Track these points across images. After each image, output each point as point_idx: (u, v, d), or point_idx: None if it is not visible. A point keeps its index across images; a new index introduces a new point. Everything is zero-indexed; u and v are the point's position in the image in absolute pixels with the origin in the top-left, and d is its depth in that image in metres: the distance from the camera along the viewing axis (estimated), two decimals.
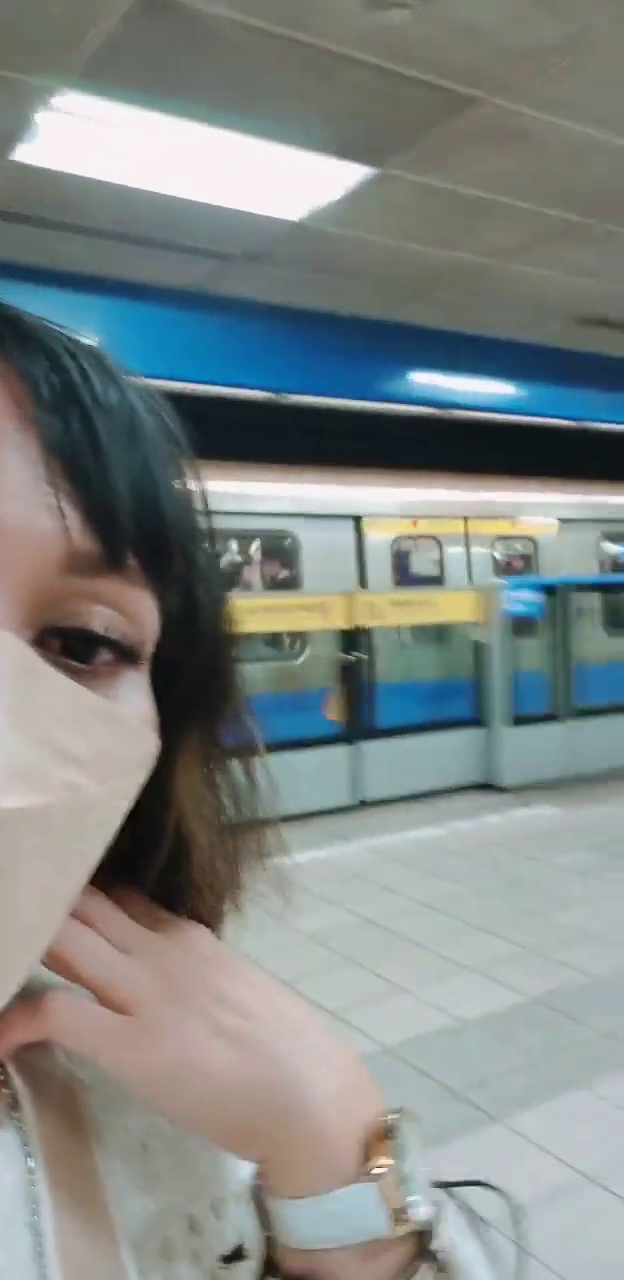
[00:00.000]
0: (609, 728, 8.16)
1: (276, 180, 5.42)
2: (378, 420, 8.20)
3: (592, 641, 8.57)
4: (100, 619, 0.36)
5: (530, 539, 9.45)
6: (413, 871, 5.49)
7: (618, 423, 10.15)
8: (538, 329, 8.58)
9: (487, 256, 6.77)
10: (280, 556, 7.88)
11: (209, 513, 0.42)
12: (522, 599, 7.76)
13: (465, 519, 8.67)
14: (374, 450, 7.99)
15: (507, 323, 8.38)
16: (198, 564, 0.41)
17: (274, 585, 7.80)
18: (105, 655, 0.37)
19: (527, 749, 7.73)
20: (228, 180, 5.38)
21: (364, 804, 6.94)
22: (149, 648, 0.39)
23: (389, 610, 7.35)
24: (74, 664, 0.36)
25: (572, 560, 9.28)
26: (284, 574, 7.83)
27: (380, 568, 8.16)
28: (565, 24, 3.97)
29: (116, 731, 0.36)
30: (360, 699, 7.21)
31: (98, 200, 5.54)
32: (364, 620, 7.09)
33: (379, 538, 8.22)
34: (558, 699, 8.03)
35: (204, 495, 0.41)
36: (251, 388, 7.48)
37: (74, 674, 0.36)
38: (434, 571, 8.70)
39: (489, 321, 8.33)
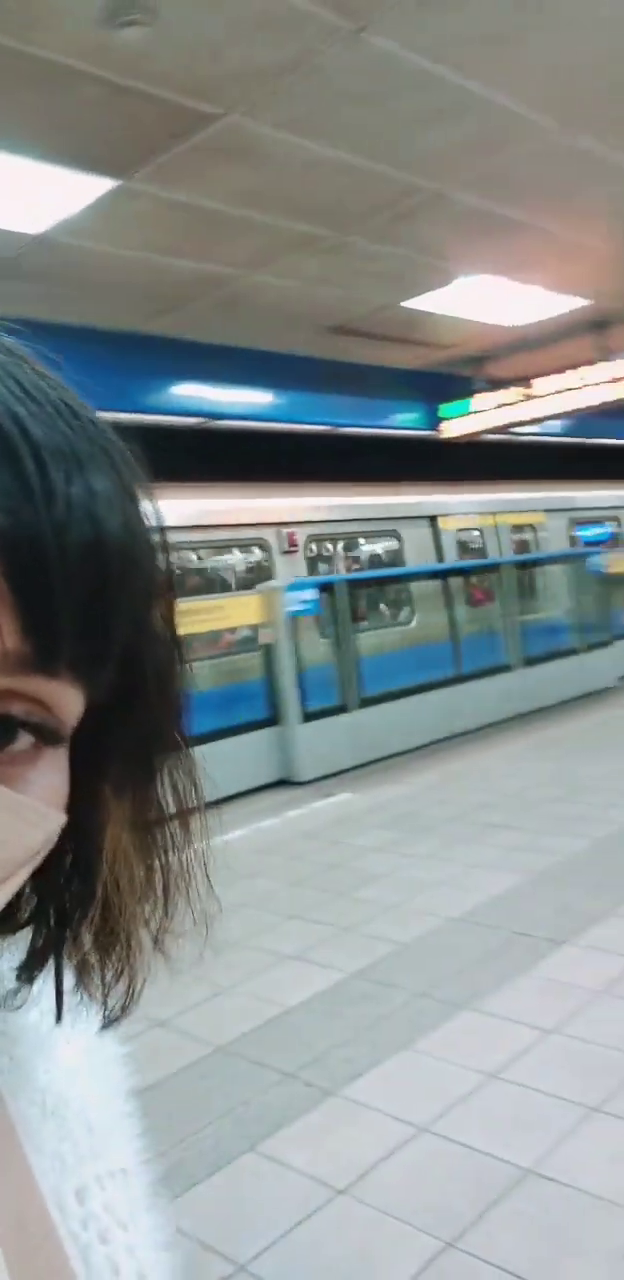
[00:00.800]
0: (392, 713, 8.61)
1: (16, 192, 5.27)
2: None
3: (375, 634, 8.99)
4: (20, 707, 0.36)
5: None
6: (223, 874, 5.48)
7: (370, 427, 10.75)
8: (289, 339, 8.90)
9: (232, 268, 6.93)
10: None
11: (167, 550, 0.41)
12: (300, 599, 8.00)
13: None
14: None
15: (258, 334, 8.62)
16: (147, 631, 0.39)
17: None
18: (24, 738, 0.37)
19: (319, 742, 7.99)
20: None
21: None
22: (70, 728, 0.38)
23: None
24: None
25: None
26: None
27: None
28: (290, 45, 4.16)
29: (23, 820, 0.36)
30: None
31: None
32: None
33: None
34: (345, 691, 8.36)
35: (165, 538, 0.40)
36: None
37: None
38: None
39: (241, 333, 8.54)
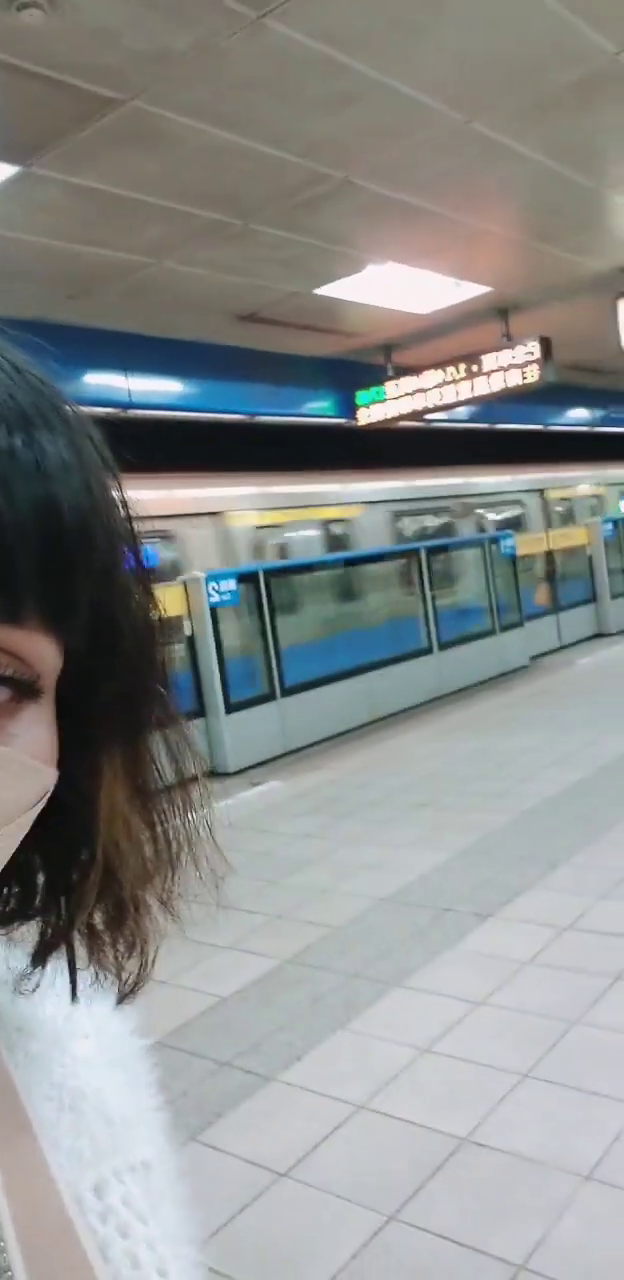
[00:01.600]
0: (315, 701, 8.66)
1: None
2: None
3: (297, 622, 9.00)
4: None
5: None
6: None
7: (285, 415, 10.75)
8: (200, 327, 8.82)
9: (139, 255, 6.84)
10: None
11: (134, 527, 0.41)
12: (221, 589, 7.97)
13: None
14: None
15: (169, 322, 8.53)
16: (117, 587, 0.40)
17: None
18: (2, 691, 0.37)
19: (245, 732, 7.99)
20: None
21: None
22: (50, 680, 0.39)
23: None
24: None
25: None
26: None
27: None
28: (191, 31, 4.11)
29: (10, 773, 0.37)
30: None
31: None
32: None
33: None
34: (268, 680, 8.37)
35: (129, 510, 0.41)
36: None
37: None
38: None
39: (152, 321, 8.43)
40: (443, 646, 10.26)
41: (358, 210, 6.52)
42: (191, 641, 7.93)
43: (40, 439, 0.36)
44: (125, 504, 0.41)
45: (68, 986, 0.46)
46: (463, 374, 9.80)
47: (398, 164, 5.86)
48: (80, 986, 0.46)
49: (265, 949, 4.19)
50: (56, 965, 0.46)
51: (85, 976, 0.46)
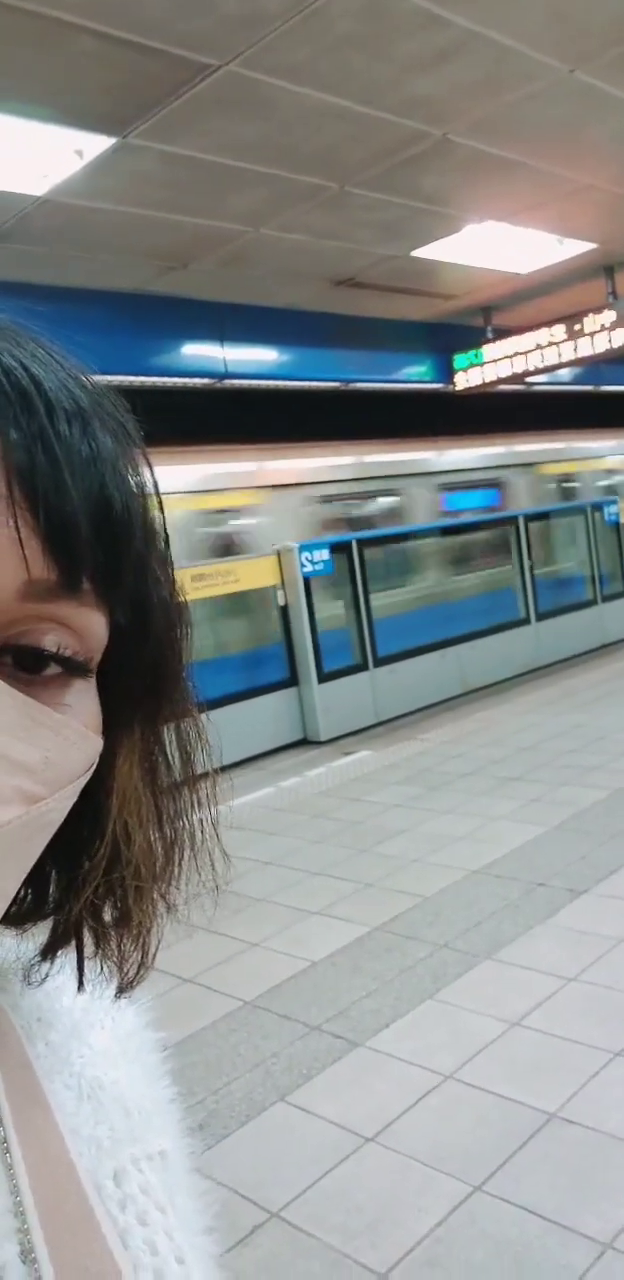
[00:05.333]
0: (407, 672, 8.61)
1: (14, 155, 5.20)
2: None
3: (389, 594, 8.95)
4: (52, 639, 0.38)
5: None
6: (248, 834, 5.57)
7: (381, 382, 10.61)
8: (295, 294, 8.79)
9: (235, 223, 6.84)
10: None
11: (163, 509, 0.44)
12: (314, 559, 7.98)
13: None
14: None
15: (264, 290, 8.52)
16: (150, 571, 0.42)
17: None
18: (55, 668, 0.39)
19: (338, 701, 8.01)
20: None
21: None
22: (98, 658, 0.41)
23: (190, 585, 7.33)
24: (24, 675, 0.38)
25: None
26: None
27: None
28: None
29: (64, 739, 0.39)
30: None
31: None
32: None
33: None
34: (362, 651, 8.36)
35: (159, 492, 0.43)
36: None
37: (25, 684, 0.38)
38: None
39: (248, 290, 8.44)
40: (541, 617, 10.03)
41: (456, 168, 6.35)
42: (285, 611, 7.97)
43: (94, 430, 0.39)
44: (157, 490, 0.43)
45: (101, 976, 0.46)
46: (565, 335, 9.49)
47: (498, 118, 5.68)
48: (90, 978, 0.47)
49: (355, 915, 4.21)
50: (71, 958, 0.46)
51: (91, 968, 0.46)
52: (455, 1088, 2.85)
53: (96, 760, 0.41)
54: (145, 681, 0.44)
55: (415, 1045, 3.11)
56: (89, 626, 0.39)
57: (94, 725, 0.41)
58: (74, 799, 0.40)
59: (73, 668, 0.39)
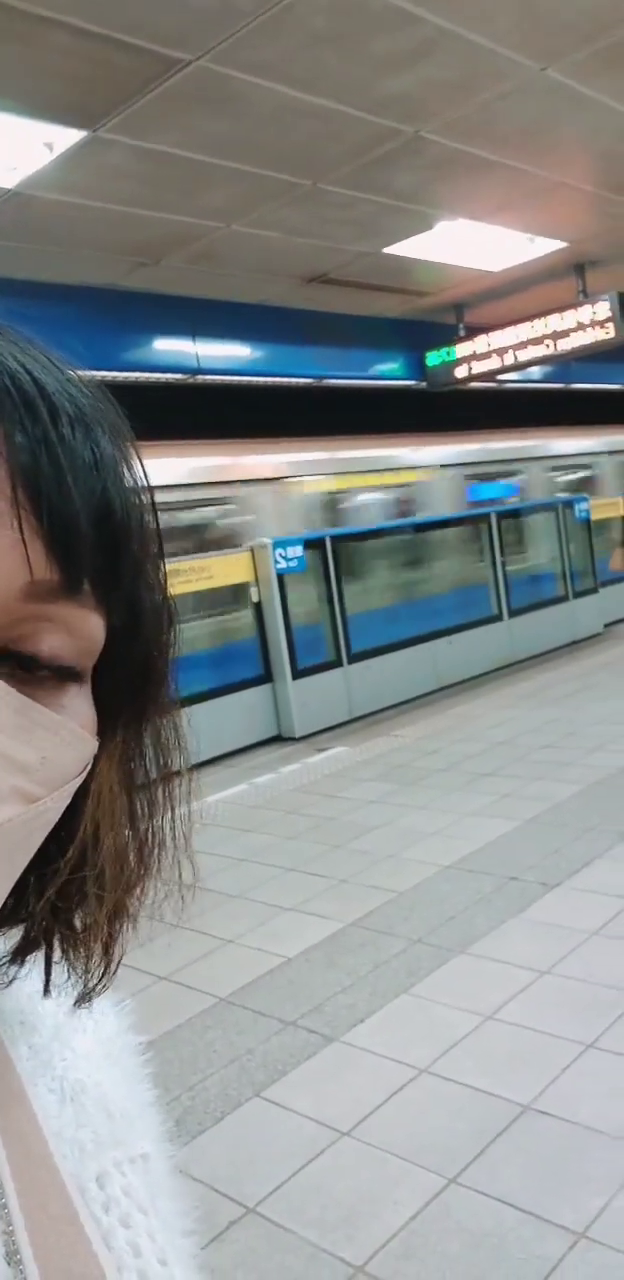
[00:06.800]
0: (382, 668, 8.64)
1: None
2: None
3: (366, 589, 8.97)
4: (49, 643, 0.39)
5: None
6: (222, 831, 5.56)
7: (354, 379, 10.63)
8: (268, 291, 8.77)
9: (207, 219, 6.82)
10: None
11: (156, 511, 0.44)
12: (288, 556, 7.98)
13: None
14: None
15: (237, 286, 8.50)
16: (145, 574, 0.43)
17: None
18: (45, 673, 0.39)
19: (313, 698, 8.02)
20: None
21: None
22: (92, 662, 0.41)
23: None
24: (22, 673, 0.38)
25: None
26: None
27: None
28: None
29: (61, 740, 0.39)
30: None
31: None
32: None
33: None
34: (336, 647, 8.37)
35: (152, 493, 0.44)
36: None
37: (21, 684, 0.38)
38: None
39: (221, 286, 8.42)
40: (513, 613, 10.11)
41: (429, 166, 6.38)
42: (259, 608, 7.96)
43: (96, 435, 0.40)
44: (151, 493, 0.44)
45: (68, 982, 0.46)
46: (536, 333, 9.55)
47: (470, 117, 5.70)
48: (58, 984, 0.46)
49: (330, 912, 4.22)
50: (58, 966, 0.46)
51: (60, 974, 0.46)
52: (430, 1081, 2.87)
53: (91, 762, 0.41)
54: (133, 684, 0.44)
55: (390, 1039, 3.12)
56: (87, 628, 0.40)
57: (89, 727, 0.41)
58: (68, 800, 0.40)
59: (66, 675, 0.40)
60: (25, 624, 0.38)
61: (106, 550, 0.39)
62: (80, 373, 0.42)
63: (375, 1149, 2.59)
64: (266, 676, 7.97)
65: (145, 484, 0.43)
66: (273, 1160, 2.60)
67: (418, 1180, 2.43)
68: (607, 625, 11.35)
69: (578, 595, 10.97)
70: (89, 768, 0.41)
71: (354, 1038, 3.16)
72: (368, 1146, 2.60)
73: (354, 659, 8.42)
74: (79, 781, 0.41)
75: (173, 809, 0.47)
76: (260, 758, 7.45)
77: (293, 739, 7.82)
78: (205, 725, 7.19)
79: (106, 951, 0.46)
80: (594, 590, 11.21)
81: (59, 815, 0.40)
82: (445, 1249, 2.19)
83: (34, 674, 0.39)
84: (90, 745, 0.41)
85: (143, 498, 0.43)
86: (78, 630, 0.39)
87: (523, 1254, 2.14)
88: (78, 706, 0.40)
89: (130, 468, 0.42)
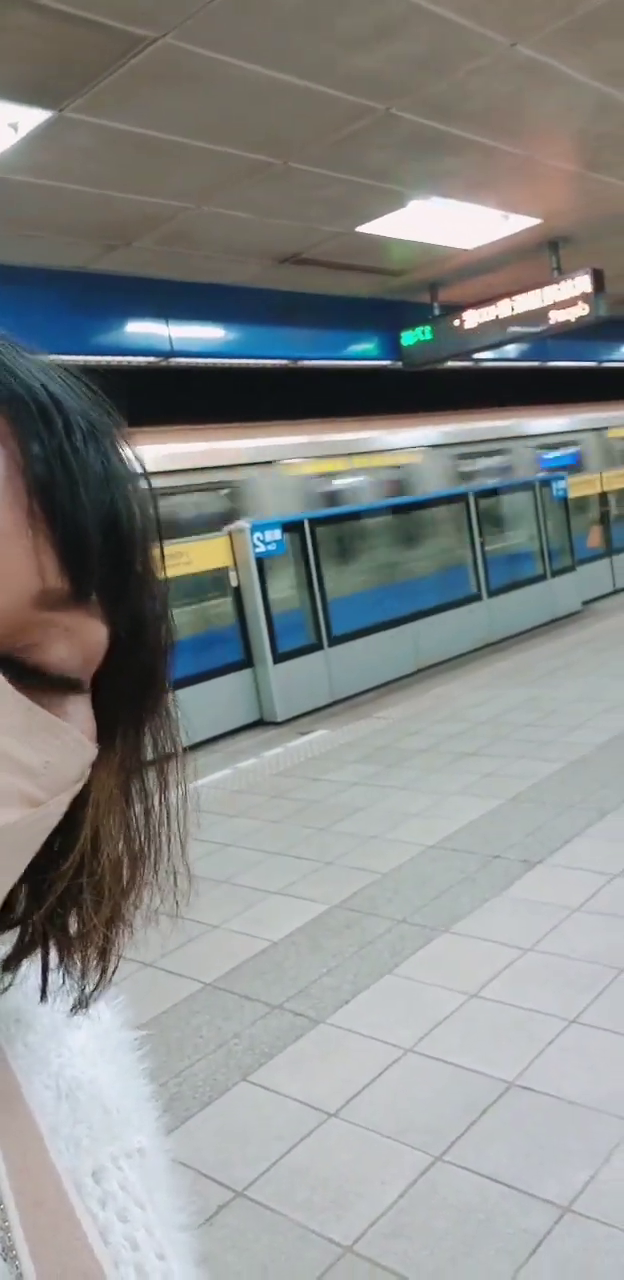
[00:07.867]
0: (362, 650, 8.64)
1: None
2: None
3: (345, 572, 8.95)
4: (57, 652, 0.40)
5: None
6: (206, 816, 5.55)
7: (326, 359, 10.58)
8: (240, 271, 8.70)
9: (177, 200, 6.74)
10: None
11: (160, 525, 0.45)
12: (266, 540, 7.94)
13: None
14: None
15: (209, 267, 8.43)
16: (148, 585, 0.44)
17: None
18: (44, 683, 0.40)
19: (294, 681, 8.01)
20: None
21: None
22: (94, 669, 0.42)
23: None
24: (27, 678, 0.39)
25: None
26: None
27: None
28: None
29: (64, 745, 0.40)
30: None
31: None
32: None
33: None
34: (316, 630, 8.36)
35: (153, 494, 0.44)
36: None
37: (28, 688, 0.38)
38: None
39: (193, 268, 8.34)
40: (493, 593, 10.13)
41: (401, 143, 6.33)
42: (238, 593, 7.93)
43: (105, 447, 0.41)
44: (156, 506, 0.45)
45: (67, 983, 0.47)
46: (511, 311, 9.54)
47: (441, 93, 5.66)
48: (53, 989, 0.47)
49: (314, 894, 4.23)
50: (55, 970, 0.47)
51: (56, 979, 0.47)
52: (416, 1060, 2.88)
53: (89, 769, 0.42)
54: (134, 692, 0.45)
55: (375, 1020, 3.13)
56: (93, 636, 0.41)
57: (89, 733, 0.42)
58: (67, 805, 0.41)
59: (68, 686, 0.40)
60: (34, 631, 0.39)
61: (114, 561, 0.40)
62: (92, 389, 0.43)
63: (362, 1129, 2.60)
64: (247, 661, 7.95)
65: (149, 496, 0.44)
66: (261, 1143, 2.60)
67: (405, 1159, 2.44)
68: (585, 603, 11.40)
69: (556, 574, 11.01)
70: (87, 774, 0.42)
71: (340, 1019, 3.17)
72: (355, 1127, 2.62)
73: (334, 641, 8.42)
74: (79, 787, 0.41)
75: (169, 815, 0.48)
76: (243, 742, 7.44)
77: (275, 723, 7.82)
78: (187, 711, 7.14)
79: (102, 957, 0.46)
80: (572, 569, 11.25)
81: (58, 820, 0.41)
82: (433, 1226, 2.21)
83: (39, 680, 0.39)
84: (90, 751, 0.42)
85: (147, 509, 0.44)
86: (83, 638, 0.40)
87: (510, 1229, 2.16)
88: (78, 713, 0.41)
89: (135, 482, 0.43)
